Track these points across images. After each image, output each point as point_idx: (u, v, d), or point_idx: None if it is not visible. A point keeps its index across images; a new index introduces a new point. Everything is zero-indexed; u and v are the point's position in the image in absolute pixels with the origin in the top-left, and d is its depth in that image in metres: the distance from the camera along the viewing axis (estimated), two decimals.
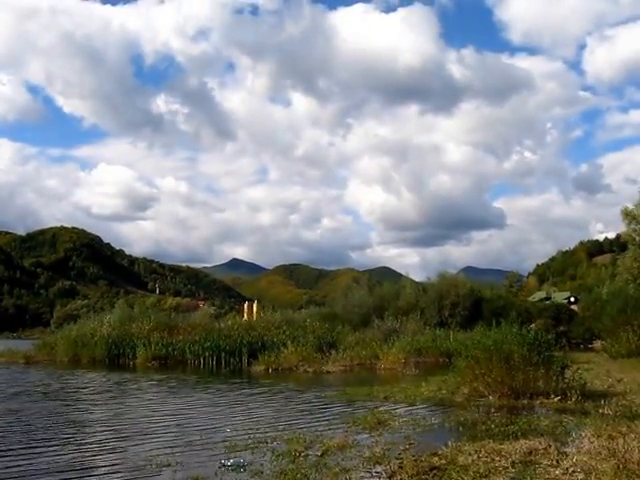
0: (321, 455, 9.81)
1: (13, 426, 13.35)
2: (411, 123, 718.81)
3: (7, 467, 9.36)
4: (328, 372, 28.45)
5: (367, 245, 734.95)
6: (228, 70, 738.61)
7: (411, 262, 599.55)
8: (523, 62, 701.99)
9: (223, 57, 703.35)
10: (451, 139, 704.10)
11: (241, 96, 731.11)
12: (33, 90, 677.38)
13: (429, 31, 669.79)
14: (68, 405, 17.44)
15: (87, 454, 10.54)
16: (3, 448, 10.84)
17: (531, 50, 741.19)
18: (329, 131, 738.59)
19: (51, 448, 10.90)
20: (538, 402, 15.65)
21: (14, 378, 25.59)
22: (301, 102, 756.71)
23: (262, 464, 9.27)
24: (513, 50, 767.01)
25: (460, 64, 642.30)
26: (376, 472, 8.71)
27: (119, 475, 8.91)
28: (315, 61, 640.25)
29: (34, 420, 14.08)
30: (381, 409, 15.26)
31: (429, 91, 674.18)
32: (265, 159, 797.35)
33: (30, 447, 10.94)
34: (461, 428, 12.45)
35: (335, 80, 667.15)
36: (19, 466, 9.43)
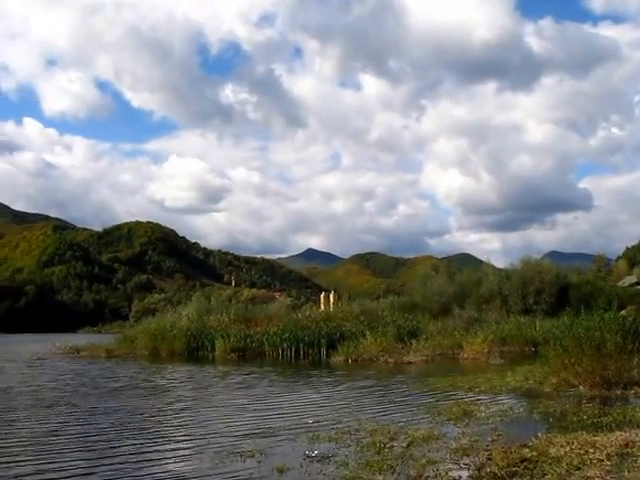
0: (406, 446, 9.59)
1: (122, 421, 13.56)
2: (488, 102, 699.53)
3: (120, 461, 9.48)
4: (409, 362, 28.10)
5: (445, 231, 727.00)
6: (295, 55, 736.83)
7: (492, 248, 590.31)
8: (607, 31, 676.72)
9: (289, 42, 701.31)
10: (531, 117, 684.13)
11: (310, 81, 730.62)
12: (102, 86, 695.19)
13: (504, 3, 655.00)
14: (155, 397, 17.71)
15: (168, 444, 10.63)
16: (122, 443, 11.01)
17: (615, 18, 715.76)
18: (402, 114, 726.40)
19: (130, 436, 11.08)
20: (632, 392, 14.97)
21: (108, 373, 25.88)
22: (372, 84, 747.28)
23: (347, 455, 9.12)
24: (595, 19, 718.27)
25: (538, 36, 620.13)
26: (464, 464, 8.44)
27: (203, 465, 8.90)
28: (385, 41, 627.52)
29: (136, 415, 14.31)
30: (466, 400, 14.92)
31: (507, 67, 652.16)
32: (337, 145, 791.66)
33: (112, 440, 11.07)
34: (550, 419, 12.00)
35: (407, 60, 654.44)
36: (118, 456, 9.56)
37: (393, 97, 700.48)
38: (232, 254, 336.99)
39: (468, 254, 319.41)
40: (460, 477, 7.78)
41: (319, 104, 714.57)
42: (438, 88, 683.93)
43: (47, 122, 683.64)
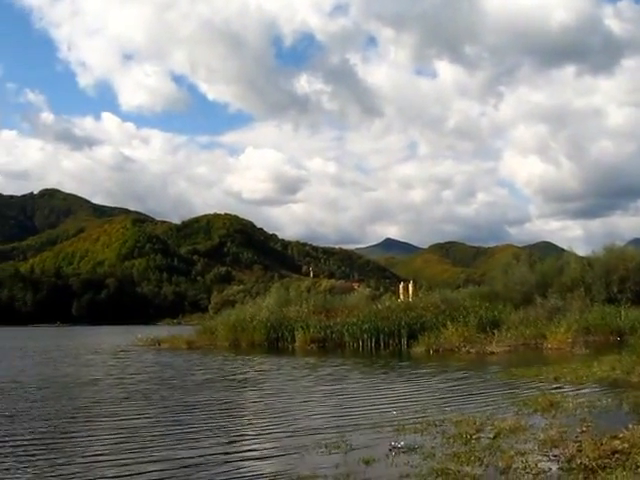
0: (493, 438, 9.53)
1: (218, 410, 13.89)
2: (568, 86, 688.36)
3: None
4: (492, 353, 27.76)
5: (526, 219, 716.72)
6: (369, 44, 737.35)
7: (574, 235, 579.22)
8: None
9: (363, 31, 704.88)
10: (613, 100, 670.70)
11: (385, 70, 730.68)
12: (178, 80, 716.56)
13: None
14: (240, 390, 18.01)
15: (257, 436, 10.84)
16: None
17: None
18: (479, 100, 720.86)
19: (222, 429, 11.33)
20: None
21: (195, 365, 26.29)
22: (448, 72, 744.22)
23: (433, 447, 9.12)
24: None
25: (618, 18, 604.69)
26: (553, 456, 8.32)
27: (288, 457, 9.03)
28: (460, 27, 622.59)
29: (227, 408, 14.61)
30: (552, 390, 14.68)
31: (586, 50, 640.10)
32: (414, 134, 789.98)
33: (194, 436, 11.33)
34: None
35: (483, 45, 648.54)
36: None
37: (470, 84, 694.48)
38: (310, 245, 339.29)
39: (549, 242, 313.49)
40: (550, 469, 7.68)
41: (395, 93, 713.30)
42: (516, 73, 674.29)
43: (124, 116, 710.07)
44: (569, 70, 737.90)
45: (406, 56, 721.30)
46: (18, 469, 8.47)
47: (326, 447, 9.41)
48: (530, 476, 7.40)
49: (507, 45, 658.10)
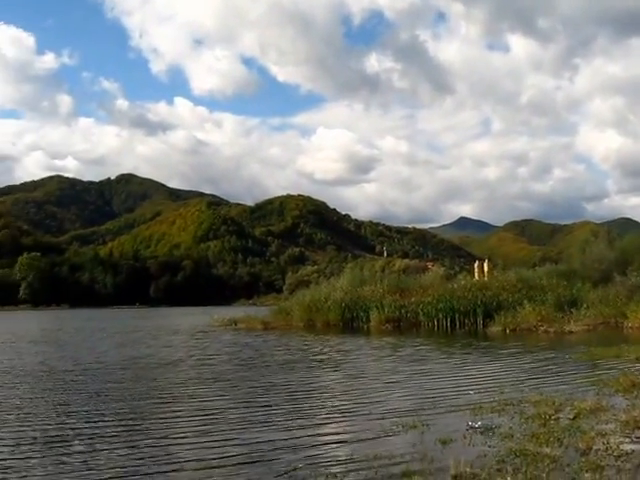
0: (573, 418, 9.41)
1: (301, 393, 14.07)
2: None
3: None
4: (570, 332, 27.31)
5: (604, 195, 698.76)
6: (439, 20, 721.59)
7: None
8: None
9: (432, 7, 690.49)
10: None
11: (456, 46, 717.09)
12: (248, 62, 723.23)
13: None
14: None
15: (336, 417, 10.93)
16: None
17: None
18: (554, 74, 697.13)
19: (307, 408, 11.51)
20: None
21: (275, 345, 26.54)
22: (521, 45, 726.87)
23: (511, 427, 9.05)
24: None
25: None
26: (636, 437, 8.18)
27: (366, 436, 9.08)
28: None
29: (313, 388, 14.80)
30: (633, 370, 14.31)
31: None
32: (487, 110, 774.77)
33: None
34: None
35: (557, 17, 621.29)
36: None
37: (544, 57, 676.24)
38: (383, 224, 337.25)
39: (629, 218, 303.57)
40: (633, 451, 7.53)
41: (467, 69, 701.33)
42: (591, 45, 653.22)
43: (197, 100, 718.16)
44: None
45: (477, 31, 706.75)
46: (103, 449, 8.74)
47: (403, 427, 9.45)
48: (612, 458, 7.27)
49: (582, 16, 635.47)
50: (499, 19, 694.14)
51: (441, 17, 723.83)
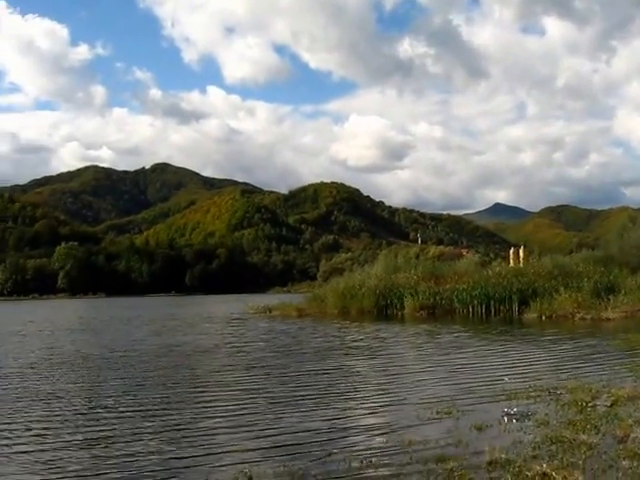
0: (610, 406, 9.33)
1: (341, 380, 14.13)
2: None
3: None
4: (607, 319, 26.97)
5: None
6: (472, 4, 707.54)
7: None
8: None
9: None
10: None
11: (490, 30, 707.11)
12: (279, 50, 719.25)
13: None
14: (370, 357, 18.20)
15: (365, 404, 10.94)
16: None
17: None
18: (590, 57, 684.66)
19: (342, 395, 11.55)
20: None
21: (311, 332, 26.52)
22: (556, 28, 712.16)
23: (547, 414, 9.02)
24: None
25: None
26: None
27: (401, 423, 9.10)
28: None
29: (352, 375, 14.86)
30: None
31: None
32: (522, 95, 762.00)
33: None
34: None
35: None
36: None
37: (580, 40, 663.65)
38: (417, 211, 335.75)
39: None
40: None
41: (501, 53, 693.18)
42: (629, 26, 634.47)
43: (229, 89, 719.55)
44: None
45: (511, 14, 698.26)
46: (144, 435, 8.89)
47: (437, 413, 9.47)
48: None
49: None
50: (533, 2, 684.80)
51: (474, 1, 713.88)
